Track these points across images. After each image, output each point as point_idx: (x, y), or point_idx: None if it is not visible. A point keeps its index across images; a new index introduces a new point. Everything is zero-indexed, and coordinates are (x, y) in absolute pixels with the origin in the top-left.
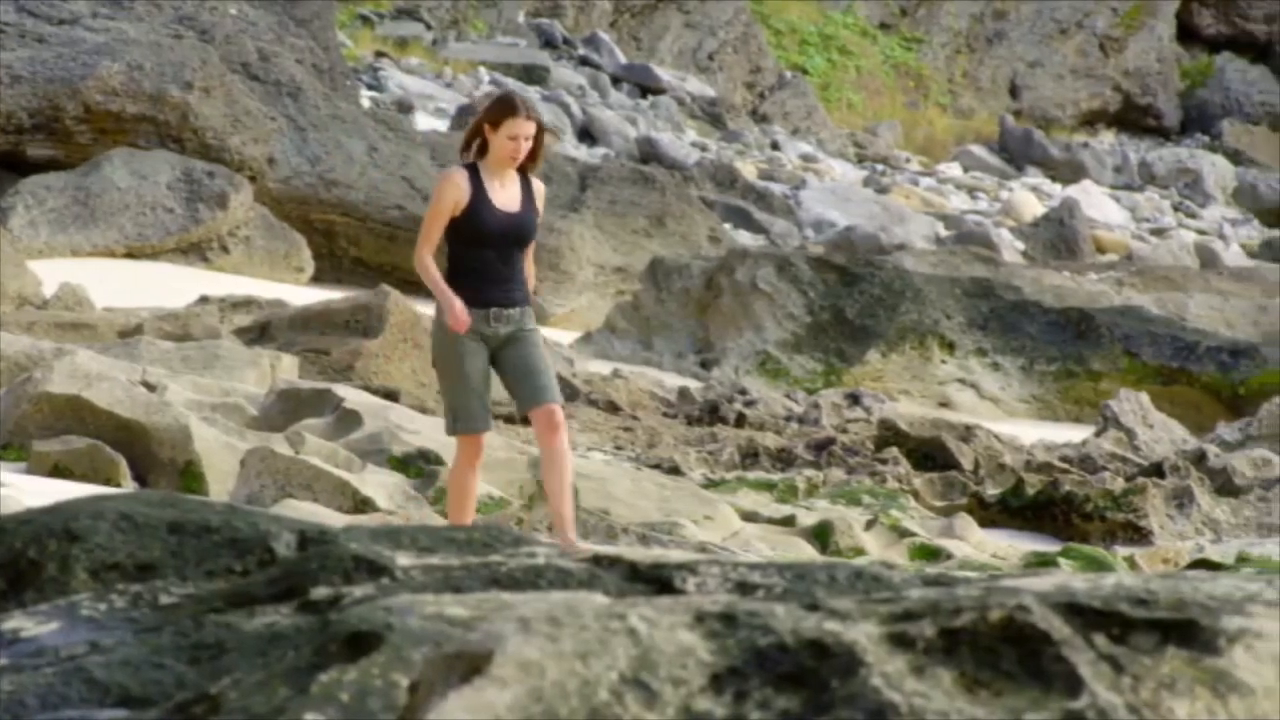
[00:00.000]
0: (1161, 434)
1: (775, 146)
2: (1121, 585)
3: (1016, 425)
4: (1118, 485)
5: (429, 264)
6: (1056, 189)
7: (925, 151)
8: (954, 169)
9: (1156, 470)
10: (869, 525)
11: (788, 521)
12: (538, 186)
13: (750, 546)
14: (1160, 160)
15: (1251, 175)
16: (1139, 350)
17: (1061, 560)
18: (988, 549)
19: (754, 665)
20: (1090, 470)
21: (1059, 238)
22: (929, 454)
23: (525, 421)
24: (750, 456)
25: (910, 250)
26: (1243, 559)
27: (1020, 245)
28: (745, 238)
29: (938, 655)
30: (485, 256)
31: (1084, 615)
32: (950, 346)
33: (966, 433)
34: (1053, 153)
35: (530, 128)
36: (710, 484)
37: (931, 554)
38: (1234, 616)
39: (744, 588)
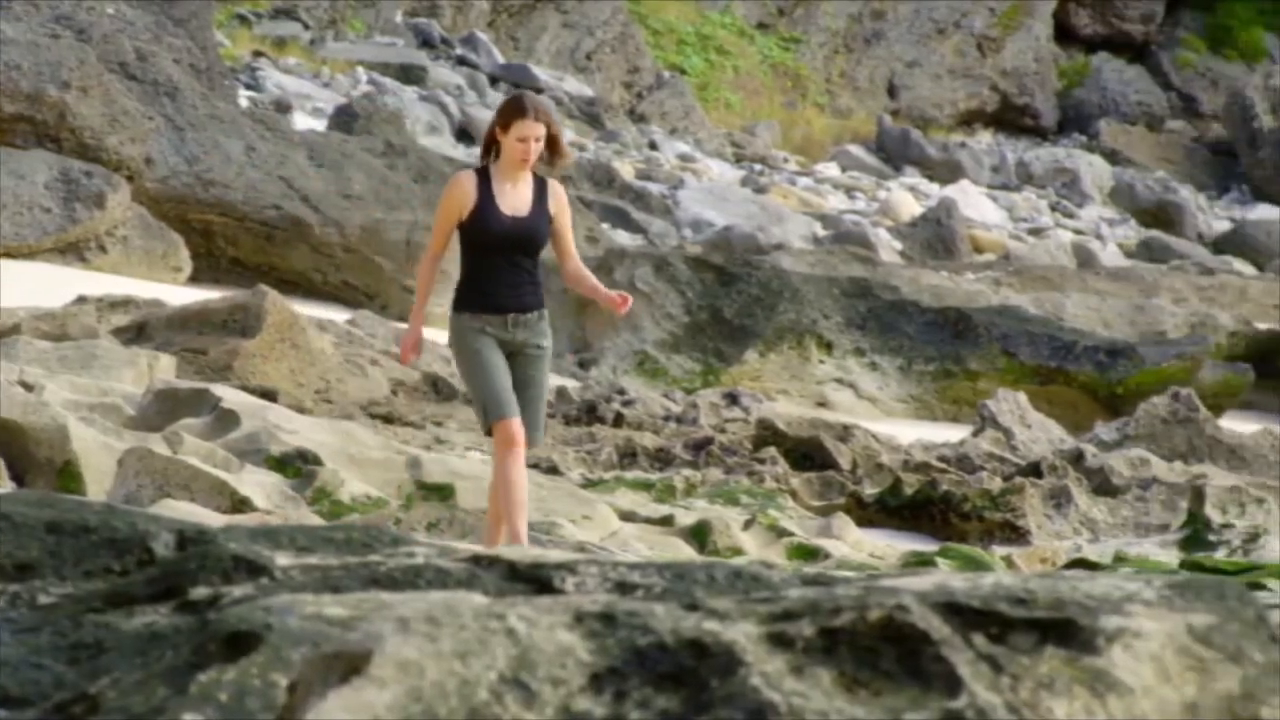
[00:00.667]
0: (1039, 434)
1: (653, 146)
2: (1000, 585)
3: (894, 425)
4: (995, 485)
5: (424, 276)
6: (934, 189)
7: (803, 151)
8: (832, 169)
9: (1034, 470)
10: (747, 525)
11: (666, 521)
12: (554, 190)
13: (628, 546)
14: (1037, 160)
15: (1128, 175)
16: (1016, 350)
17: (939, 560)
18: (865, 548)
19: (633, 665)
20: (968, 470)
21: (936, 237)
22: (807, 454)
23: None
24: (628, 456)
25: (788, 250)
26: (1120, 559)
27: (898, 245)
28: (623, 237)
29: (817, 655)
30: (493, 262)
31: (963, 615)
32: (828, 346)
33: (844, 432)
34: (930, 152)
35: (540, 129)
36: (588, 484)
37: (809, 554)
38: (1112, 616)
39: (623, 587)
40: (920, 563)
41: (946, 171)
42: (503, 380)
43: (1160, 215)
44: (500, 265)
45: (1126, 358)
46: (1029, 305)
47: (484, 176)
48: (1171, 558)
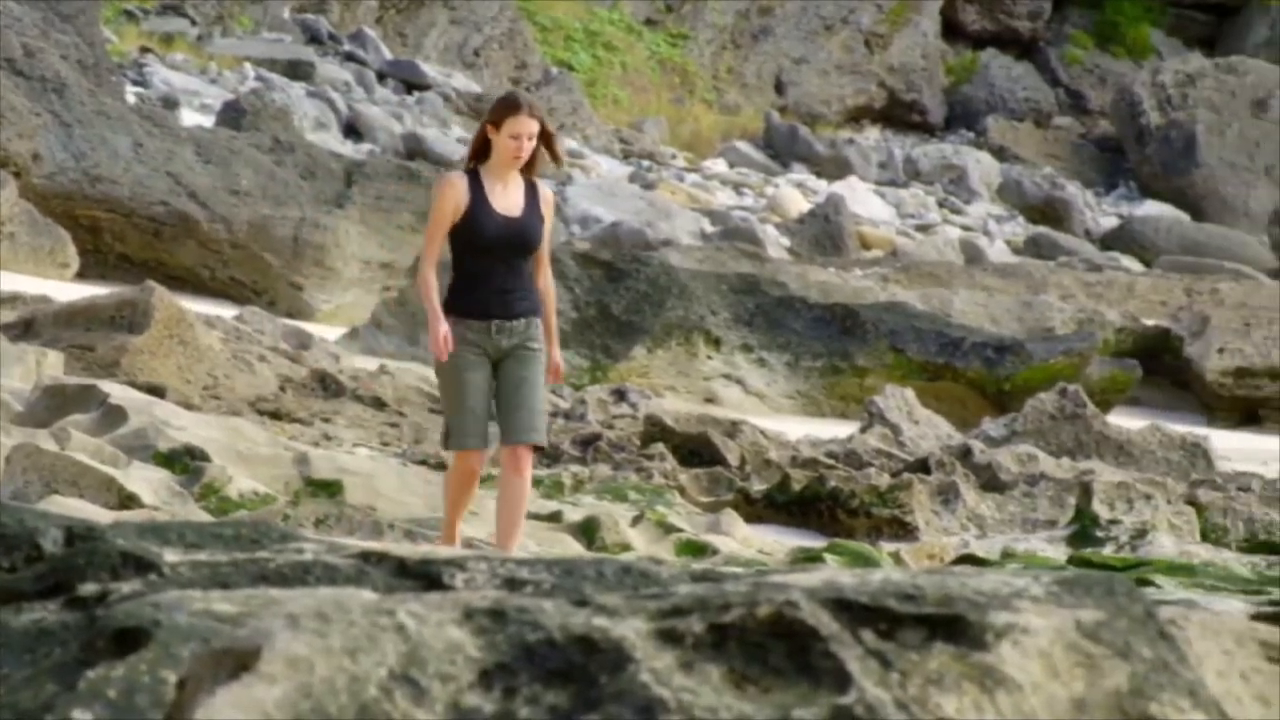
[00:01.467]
0: (927, 430)
1: None
2: (889, 581)
3: (782, 421)
4: (883, 481)
5: (428, 278)
6: (822, 185)
7: (691, 148)
8: (720, 165)
9: (922, 466)
10: (635, 521)
11: (554, 518)
12: (544, 193)
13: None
14: (925, 156)
15: (1016, 171)
16: (904, 346)
17: (827, 556)
18: (754, 545)
19: (523, 661)
20: (856, 466)
21: (824, 234)
22: (695, 450)
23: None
24: None
25: (676, 246)
26: (1008, 555)
27: (786, 241)
28: None
29: (706, 651)
30: (486, 264)
31: (852, 611)
32: (716, 343)
33: (732, 429)
34: (818, 149)
35: (533, 125)
36: None
37: (697, 550)
38: (1001, 612)
39: (512, 584)
40: (808, 559)
41: (834, 168)
42: (474, 408)
43: (1048, 212)
44: (495, 268)
45: (1014, 354)
46: (917, 302)
47: (474, 178)
48: (1059, 554)
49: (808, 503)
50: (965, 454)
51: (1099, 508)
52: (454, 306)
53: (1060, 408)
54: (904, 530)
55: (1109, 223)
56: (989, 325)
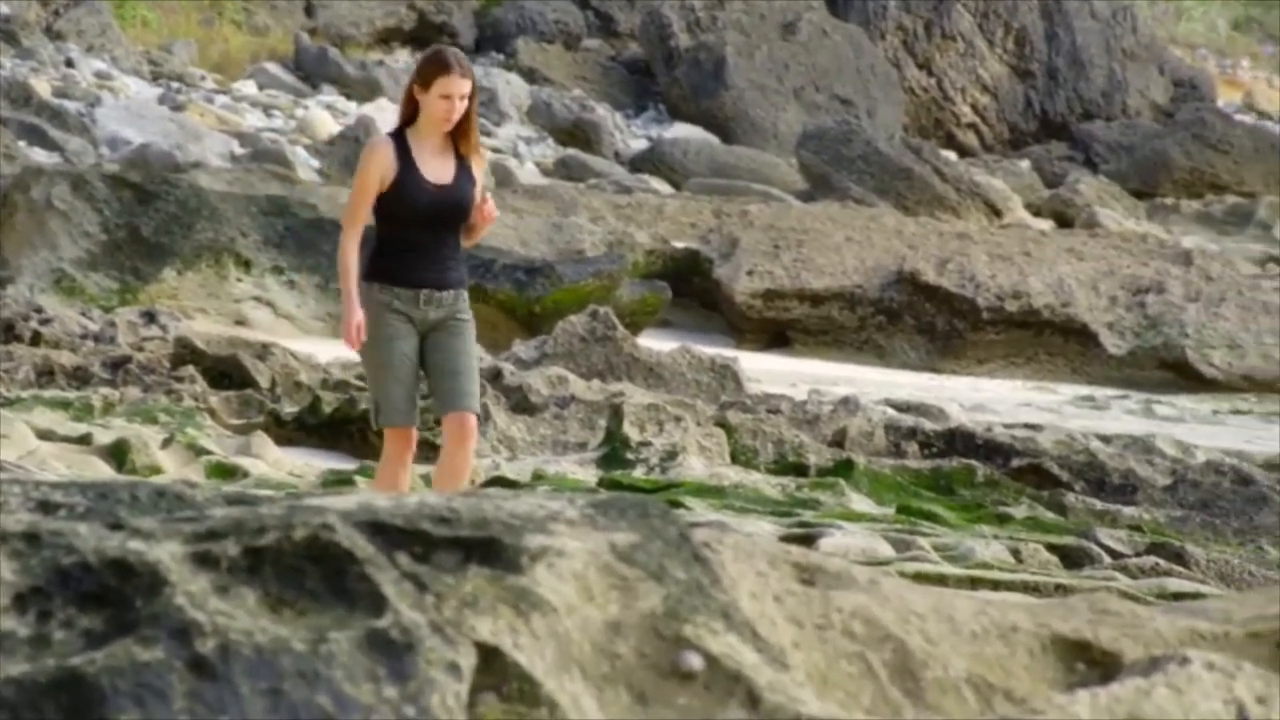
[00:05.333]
0: None
1: (70, 64)
2: (425, 504)
3: (313, 343)
4: None
5: (349, 254)
6: (352, 107)
7: (220, 69)
8: (249, 87)
9: None
10: (165, 443)
11: (84, 440)
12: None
13: (47, 465)
14: None
15: (546, 94)
16: None
17: (359, 478)
18: (285, 467)
19: (57, 585)
20: None
21: (355, 156)
22: (225, 372)
23: (438, 422)
24: (46, 375)
25: (206, 168)
26: (539, 477)
27: (315, 163)
28: (40, 155)
29: (242, 574)
30: (415, 234)
31: (387, 534)
32: (246, 264)
33: (263, 351)
34: (348, 71)
35: (465, 85)
36: (5, 402)
37: (228, 472)
38: (536, 535)
39: (46, 507)
40: (339, 481)
41: (365, 90)
42: (404, 380)
43: (577, 134)
44: (422, 239)
45: (544, 276)
46: None
47: (400, 143)
48: (590, 476)
49: (338, 425)
50: (496, 376)
51: (629, 430)
52: (381, 272)
53: (590, 330)
54: (435, 452)
55: (638, 145)
56: (519, 247)
